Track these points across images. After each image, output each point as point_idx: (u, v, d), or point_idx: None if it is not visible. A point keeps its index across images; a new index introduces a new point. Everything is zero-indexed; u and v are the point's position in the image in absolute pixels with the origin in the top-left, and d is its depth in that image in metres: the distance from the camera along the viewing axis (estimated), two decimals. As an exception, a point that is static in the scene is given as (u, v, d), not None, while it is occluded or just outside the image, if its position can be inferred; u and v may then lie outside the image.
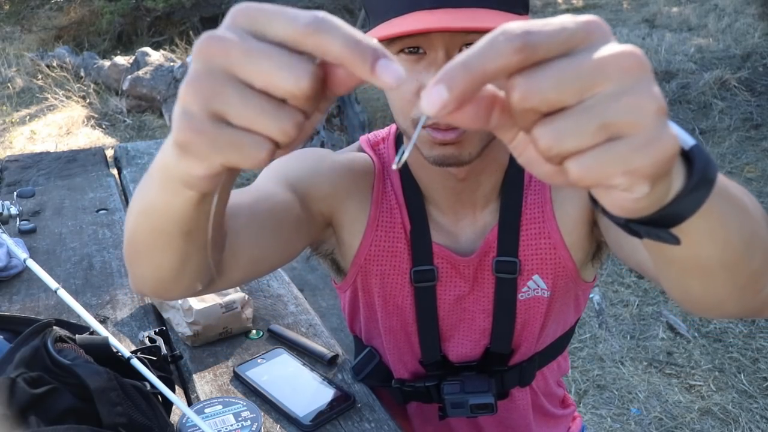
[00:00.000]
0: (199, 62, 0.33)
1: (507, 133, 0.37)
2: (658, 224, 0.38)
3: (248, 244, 0.69)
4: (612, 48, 0.32)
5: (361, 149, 0.94)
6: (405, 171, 0.89)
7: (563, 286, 0.90)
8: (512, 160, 0.87)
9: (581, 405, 2.18)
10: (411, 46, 0.72)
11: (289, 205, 0.77)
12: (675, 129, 0.34)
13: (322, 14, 0.32)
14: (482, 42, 0.32)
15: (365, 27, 0.79)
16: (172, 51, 6.76)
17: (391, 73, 0.32)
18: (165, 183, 0.44)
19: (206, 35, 0.33)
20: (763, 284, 0.50)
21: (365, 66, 0.32)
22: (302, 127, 0.34)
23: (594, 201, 0.38)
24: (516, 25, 0.31)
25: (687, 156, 0.38)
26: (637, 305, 2.68)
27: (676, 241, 0.39)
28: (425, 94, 0.32)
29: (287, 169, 0.83)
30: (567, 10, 8.27)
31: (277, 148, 0.34)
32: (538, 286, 0.90)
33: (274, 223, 0.74)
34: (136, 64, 5.78)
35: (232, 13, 0.34)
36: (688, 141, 0.38)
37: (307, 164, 0.86)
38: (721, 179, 0.42)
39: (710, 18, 6.73)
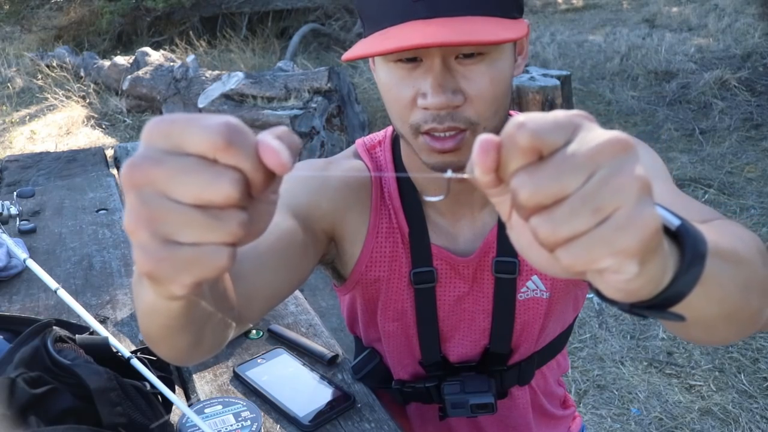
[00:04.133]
0: (131, 193, 0.34)
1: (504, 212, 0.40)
2: (661, 306, 0.39)
3: (261, 286, 0.68)
4: (600, 136, 0.34)
5: (356, 154, 0.93)
6: (404, 177, 0.90)
7: (562, 287, 0.91)
8: None
9: (581, 405, 2.18)
10: (408, 56, 0.73)
11: (293, 231, 0.76)
12: (659, 210, 0.38)
13: (232, 124, 0.33)
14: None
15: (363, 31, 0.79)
16: (172, 51, 6.76)
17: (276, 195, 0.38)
18: (156, 294, 0.43)
19: (126, 164, 0.34)
20: (762, 315, 0.53)
21: (262, 190, 0.35)
22: (249, 221, 0.34)
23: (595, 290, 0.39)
24: (520, 125, 0.34)
25: (675, 235, 0.40)
26: (637, 305, 2.68)
27: (681, 319, 0.41)
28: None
29: (283, 193, 0.81)
30: (567, 11, 8.27)
31: (237, 244, 0.35)
32: (537, 287, 0.90)
33: (282, 257, 0.73)
34: (136, 64, 5.78)
35: (146, 132, 0.34)
36: (674, 221, 0.40)
37: (303, 185, 0.84)
38: (710, 238, 0.43)
39: (710, 18, 6.74)
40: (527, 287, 0.90)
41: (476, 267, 0.90)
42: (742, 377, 2.25)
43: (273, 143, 0.34)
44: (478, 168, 0.36)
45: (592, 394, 2.23)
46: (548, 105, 3.77)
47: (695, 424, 2.07)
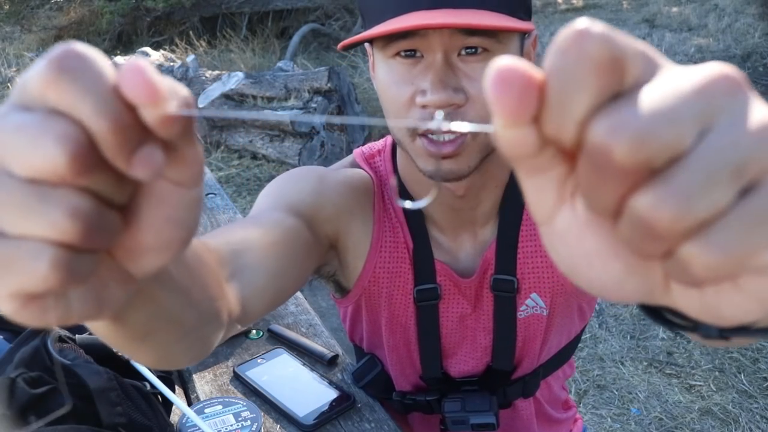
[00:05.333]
0: None
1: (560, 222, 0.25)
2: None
3: (270, 277, 0.65)
4: (698, 70, 0.22)
5: (355, 164, 0.90)
6: (402, 188, 0.87)
7: (562, 303, 0.89)
8: (512, 177, 0.83)
9: (581, 405, 2.18)
10: (408, 49, 0.69)
11: (298, 229, 0.74)
12: None
13: (70, 49, 0.23)
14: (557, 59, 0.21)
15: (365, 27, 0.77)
16: (172, 51, 6.76)
17: (149, 165, 0.24)
18: None
19: None
20: None
21: (122, 154, 0.23)
22: (89, 214, 0.24)
23: (656, 316, 0.28)
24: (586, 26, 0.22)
25: None
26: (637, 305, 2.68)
27: None
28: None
29: (286, 193, 0.79)
30: (567, 11, 8.27)
31: (73, 250, 0.24)
32: (537, 304, 0.88)
33: (289, 252, 0.70)
34: (136, 64, 5.77)
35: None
36: None
37: (308, 186, 0.81)
38: None
39: (710, 18, 6.74)
40: (527, 305, 0.88)
41: (478, 286, 0.88)
42: (742, 377, 2.25)
43: (139, 63, 0.23)
44: (504, 115, 0.22)
45: (592, 394, 2.23)
46: (548, 105, 3.77)
47: (695, 424, 2.07)
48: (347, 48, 0.72)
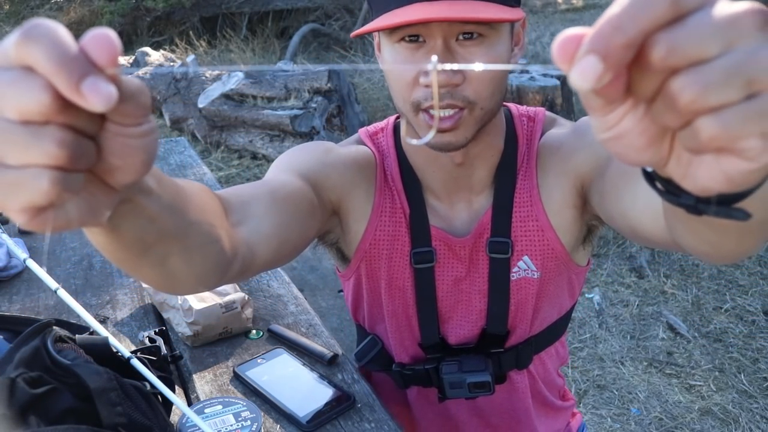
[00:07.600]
0: None
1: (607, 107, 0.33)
2: (727, 201, 0.35)
3: (275, 226, 0.73)
4: (735, 5, 0.30)
5: (360, 141, 0.99)
6: (402, 159, 0.94)
7: (553, 268, 0.94)
8: (507, 145, 0.92)
9: (581, 405, 2.18)
10: (411, 34, 0.78)
11: (304, 191, 0.82)
12: None
13: (35, 22, 0.31)
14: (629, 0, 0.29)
15: (365, 24, 0.83)
16: (172, 51, 6.76)
17: (100, 95, 0.30)
18: None
19: None
20: None
21: (70, 84, 0.30)
22: (72, 143, 0.32)
23: (650, 179, 0.37)
24: None
25: None
26: (637, 305, 2.68)
27: (746, 217, 0.36)
28: (575, 69, 0.30)
29: (295, 161, 0.89)
30: (567, 11, 8.27)
31: (65, 171, 0.32)
32: (528, 266, 0.93)
33: (293, 207, 0.78)
34: (136, 64, 5.77)
35: None
36: None
37: (315, 156, 0.90)
38: None
39: (710, 18, 6.74)
40: (519, 267, 0.94)
41: (472, 248, 0.93)
42: (742, 377, 2.25)
43: (105, 32, 0.31)
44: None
45: (592, 394, 2.23)
46: (548, 105, 3.76)
47: (695, 424, 2.07)
48: (357, 36, 0.81)
